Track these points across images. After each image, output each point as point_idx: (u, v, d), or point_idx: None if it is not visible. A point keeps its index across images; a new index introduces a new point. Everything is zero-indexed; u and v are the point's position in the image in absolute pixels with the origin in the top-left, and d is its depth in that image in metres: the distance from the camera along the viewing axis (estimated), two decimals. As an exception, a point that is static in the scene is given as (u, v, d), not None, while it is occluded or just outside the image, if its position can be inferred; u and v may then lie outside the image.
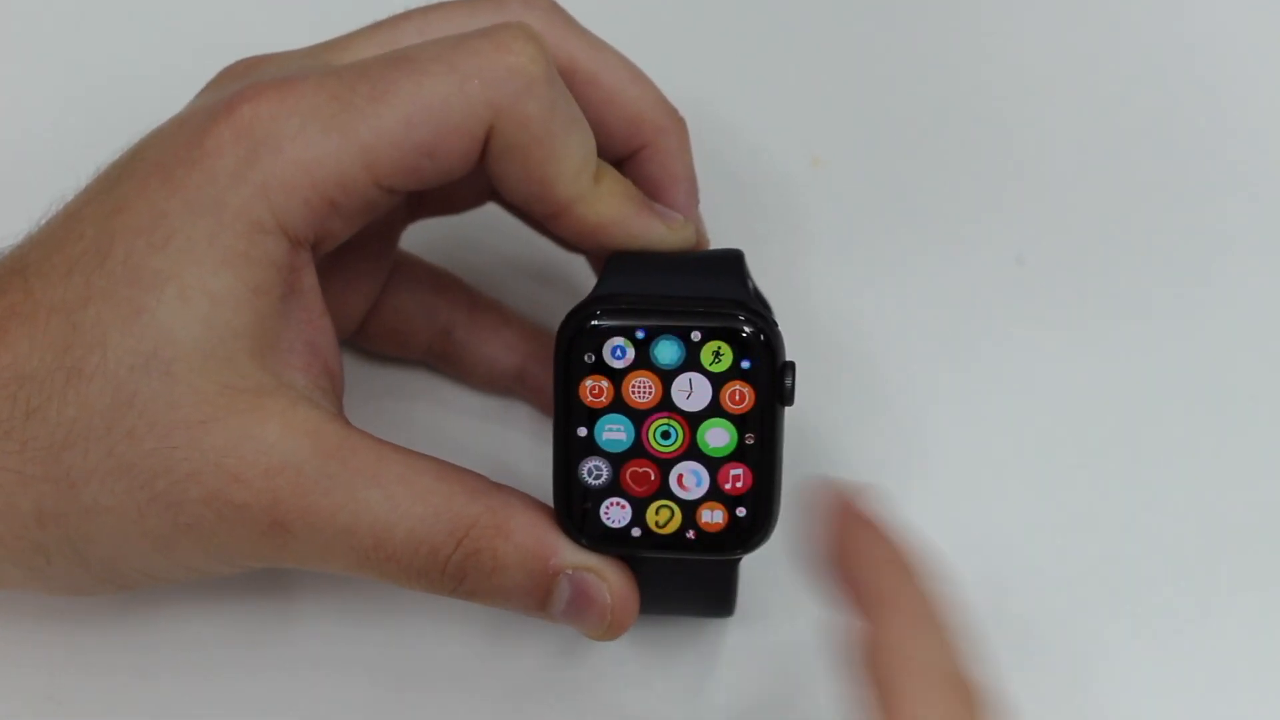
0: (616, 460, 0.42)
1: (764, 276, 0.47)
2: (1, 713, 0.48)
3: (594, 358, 0.42)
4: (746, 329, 0.41)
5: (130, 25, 0.60)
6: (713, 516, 0.43)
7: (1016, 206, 0.58)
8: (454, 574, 0.42)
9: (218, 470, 0.40)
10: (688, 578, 0.44)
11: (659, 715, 0.49)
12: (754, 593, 0.49)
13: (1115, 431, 0.54)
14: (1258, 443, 0.54)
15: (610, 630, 0.43)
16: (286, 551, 0.41)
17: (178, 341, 0.40)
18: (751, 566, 0.45)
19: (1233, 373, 0.55)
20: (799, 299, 0.55)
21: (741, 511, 0.42)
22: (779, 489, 0.43)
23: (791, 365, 0.42)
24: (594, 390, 0.42)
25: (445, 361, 0.52)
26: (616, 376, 0.42)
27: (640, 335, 0.41)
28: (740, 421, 0.42)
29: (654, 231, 0.44)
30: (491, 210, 0.50)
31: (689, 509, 0.43)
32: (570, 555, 0.43)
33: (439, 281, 0.52)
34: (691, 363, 0.41)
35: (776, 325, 0.42)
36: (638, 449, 0.42)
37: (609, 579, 0.43)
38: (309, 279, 0.42)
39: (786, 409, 0.42)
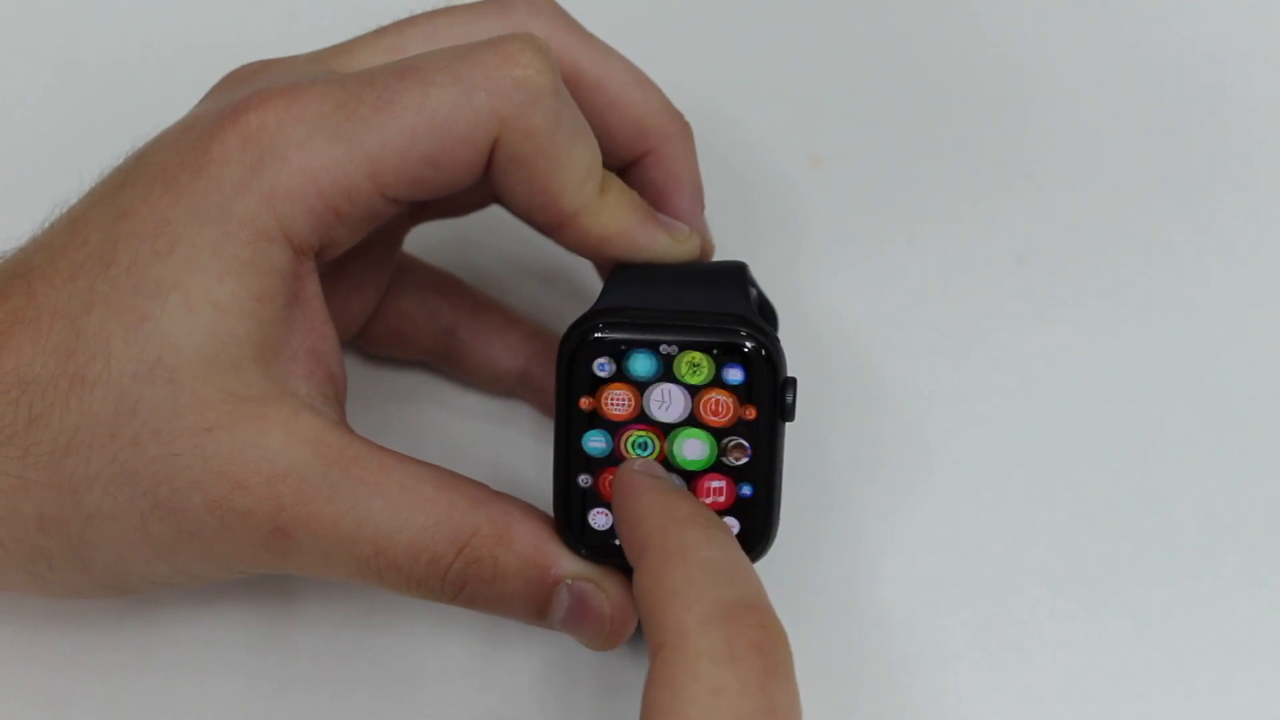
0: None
1: (763, 277, 0.47)
2: (2, 713, 0.48)
3: (595, 370, 0.42)
4: (748, 344, 0.41)
5: (135, 27, 0.60)
6: None
7: (1016, 206, 0.58)
8: (454, 582, 0.42)
9: (220, 477, 0.40)
10: None
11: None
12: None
13: (1115, 431, 0.54)
14: (1258, 442, 0.54)
15: (609, 640, 0.44)
16: (288, 559, 0.41)
17: (181, 349, 0.40)
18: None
19: (1233, 372, 0.55)
20: (798, 299, 0.55)
21: (740, 525, 0.43)
22: (779, 503, 0.43)
23: (793, 381, 0.42)
24: (615, 401, 0.42)
25: (448, 363, 0.52)
26: (642, 388, 0.42)
27: (669, 351, 0.41)
28: (718, 434, 0.42)
29: (659, 243, 0.44)
30: (495, 212, 0.50)
31: None
32: (570, 565, 0.43)
33: (442, 283, 0.52)
34: (678, 375, 0.42)
35: (779, 341, 0.42)
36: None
37: (608, 589, 0.43)
38: (312, 287, 0.42)
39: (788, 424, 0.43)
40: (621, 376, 0.42)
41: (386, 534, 0.41)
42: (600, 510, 0.43)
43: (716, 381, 0.42)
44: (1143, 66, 0.60)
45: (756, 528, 0.43)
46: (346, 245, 0.43)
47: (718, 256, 0.48)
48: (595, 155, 0.43)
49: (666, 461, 0.42)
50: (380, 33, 0.45)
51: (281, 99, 0.41)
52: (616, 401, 0.42)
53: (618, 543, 0.42)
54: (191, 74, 0.47)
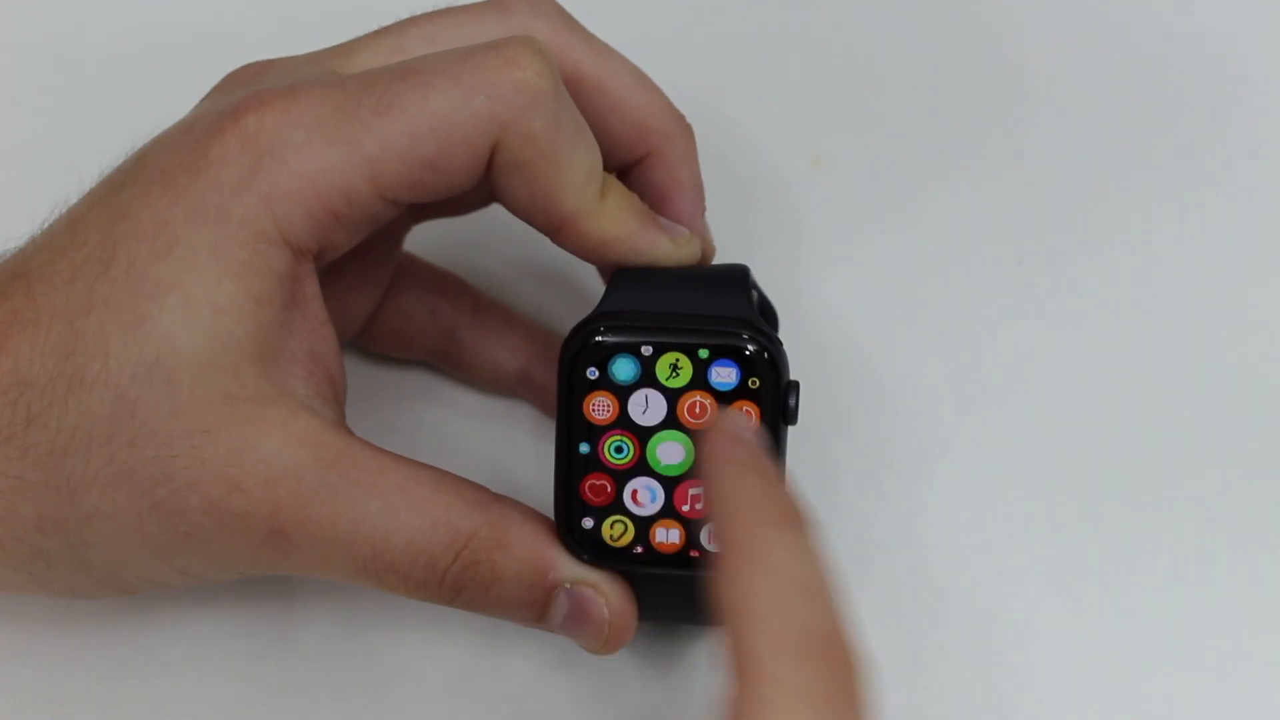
0: (618, 476, 0.43)
1: (763, 276, 0.47)
2: (3, 713, 0.48)
3: (597, 374, 0.42)
4: (750, 347, 0.41)
5: (134, 27, 0.60)
6: (667, 536, 0.43)
7: (1016, 206, 0.58)
8: (452, 585, 0.42)
9: (218, 479, 0.40)
10: (688, 592, 0.44)
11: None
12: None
13: (1115, 431, 0.54)
14: (1259, 441, 0.54)
15: (608, 644, 0.43)
16: (286, 560, 0.41)
17: (180, 350, 0.40)
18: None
19: (1233, 371, 0.55)
20: (798, 298, 0.55)
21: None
22: None
23: (795, 385, 0.42)
24: (597, 407, 0.42)
25: (448, 362, 0.53)
26: (621, 393, 0.42)
27: (646, 352, 0.41)
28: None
29: (659, 247, 0.44)
30: (495, 212, 0.49)
31: (642, 525, 0.43)
32: (569, 569, 0.43)
33: (442, 283, 0.52)
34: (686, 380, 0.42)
35: (781, 344, 0.42)
36: (642, 465, 0.43)
37: (607, 594, 0.43)
38: (311, 288, 0.42)
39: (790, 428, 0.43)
40: (649, 381, 0.42)
41: (384, 536, 0.41)
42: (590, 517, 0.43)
43: (698, 383, 0.42)
44: (1143, 66, 0.60)
45: None
46: (346, 247, 0.43)
47: (718, 257, 0.48)
48: (596, 159, 0.43)
49: (645, 463, 0.43)
50: (380, 33, 0.45)
51: (280, 101, 0.41)
52: (600, 406, 0.42)
53: (637, 550, 0.43)
54: (192, 74, 0.46)
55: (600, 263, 0.45)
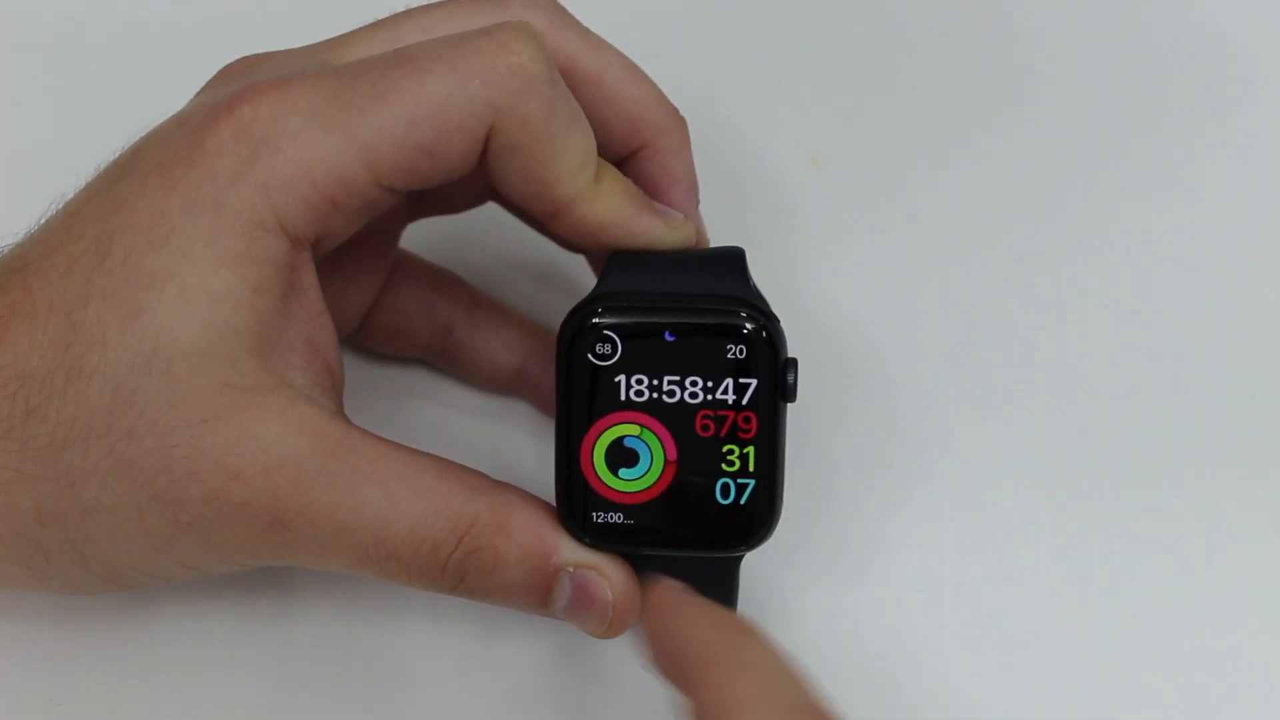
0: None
1: (763, 276, 0.47)
2: (3, 712, 0.48)
3: (595, 355, 0.42)
4: (748, 325, 0.41)
5: (130, 23, 0.60)
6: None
7: (1016, 206, 0.58)
8: (455, 572, 0.42)
9: (218, 468, 0.40)
10: (690, 575, 0.44)
11: (660, 713, 0.49)
12: (757, 591, 0.49)
13: (1115, 431, 0.54)
14: (1259, 441, 0.54)
15: (612, 628, 0.43)
16: (286, 549, 0.41)
17: (178, 340, 0.40)
18: (754, 565, 0.45)
19: (1234, 372, 0.55)
20: (798, 298, 0.55)
21: (742, 509, 0.43)
22: (781, 487, 0.43)
23: (794, 362, 0.42)
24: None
25: (445, 360, 0.52)
26: (615, 373, 0.42)
27: (641, 333, 0.42)
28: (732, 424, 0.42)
29: (654, 230, 0.44)
30: (491, 210, 0.50)
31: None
32: (571, 553, 0.43)
33: (439, 280, 0.52)
34: (683, 361, 0.42)
35: (778, 321, 0.42)
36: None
37: (610, 577, 0.43)
38: (309, 278, 0.42)
39: (789, 406, 0.43)
40: (641, 361, 0.42)
41: (385, 523, 0.41)
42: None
43: (710, 403, 0.42)
44: (1143, 66, 0.60)
45: (759, 511, 0.43)
46: (343, 236, 0.43)
47: (715, 249, 0.48)
48: (590, 143, 0.43)
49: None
50: (375, 26, 0.45)
51: (276, 90, 0.41)
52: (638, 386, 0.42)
53: (637, 531, 0.43)
54: (191, 72, 0.47)
55: (595, 248, 0.45)
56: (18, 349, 0.40)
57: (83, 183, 0.44)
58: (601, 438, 0.42)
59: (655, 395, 0.42)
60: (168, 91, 0.46)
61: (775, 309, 0.47)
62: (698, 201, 0.48)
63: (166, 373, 0.40)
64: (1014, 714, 0.49)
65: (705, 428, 0.42)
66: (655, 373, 0.42)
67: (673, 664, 0.40)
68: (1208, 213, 0.58)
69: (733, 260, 0.44)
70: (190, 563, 0.42)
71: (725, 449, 0.42)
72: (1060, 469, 0.53)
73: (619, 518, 0.43)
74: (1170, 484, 0.53)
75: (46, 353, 0.40)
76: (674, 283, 0.43)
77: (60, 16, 0.60)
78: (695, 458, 0.42)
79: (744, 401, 0.42)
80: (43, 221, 0.43)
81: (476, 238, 0.55)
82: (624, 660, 0.49)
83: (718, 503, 0.42)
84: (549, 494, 0.43)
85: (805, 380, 0.43)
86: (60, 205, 0.43)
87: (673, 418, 0.42)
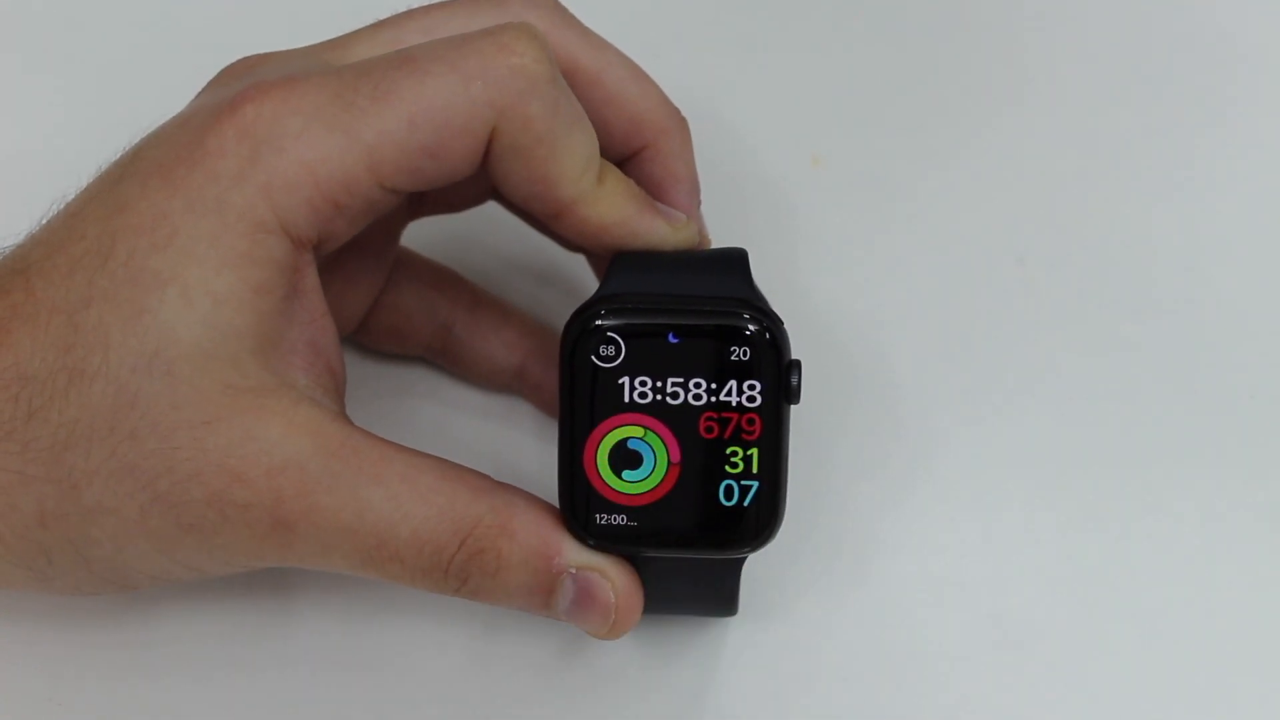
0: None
1: (764, 276, 0.47)
2: (3, 713, 0.48)
3: (598, 357, 0.42)
4: (751, 327, 0.41)
5: (131, 23, 0.60)
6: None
7: (1016, 206, 0.58)
8: (458, 574, 0.42)
9: (220, 470, 0.40)
10: (692, 576, 0.44)
11: (661, 713, 0.49)
12: (757, 591, 0.49)
13: (1115, 431, 0.54)
14: (1259, 441, 0.54)
15: (614, 629, 0.43)
16: (289, 551, 0.41)
17: (180, 342, 0.40)
18: (754, 565, 0.45)
19: (1234, 373, 0.55)
20: (798, 299, 0.55)
21: (745, 511, 0.43)
22: (785, 488, 0.43)
23: (797, 364, 0.42)
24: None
25: (446, 358, 0.52)
26: (619, 375, 0.42)
27: (644, 334, 0.41)
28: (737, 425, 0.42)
29: (657, 231, 0.44)
30: (492, 209, 0.50)
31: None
32: (574, 554, 0.42)
33: (440, 278, 0.52)
34: (687, 363, 0.42)
35: (782, 323, 0.42)
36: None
37: (613, 578, 0.43)
38: (311, 279, 0.42)
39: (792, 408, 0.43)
40: (646, 363, 0.42)
41: (388, 525, 0.41)
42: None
43: (714, 404, 0.42)
44: (1143, 66, 0.60)
45: (762, 513, 0.43)
46: (345, 237, 0.43)
47: (716, 252, 0.48)
48: (593, 144, 0.43)
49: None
50: (377, 27, 0.45)
51: (278, 91, 0.41)
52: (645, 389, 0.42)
53: (640, 533, 0.43)
54: (192, 72, 0.46)
55: (598, 249, 0.45)
56: (20, 350, 0.40)
57: (84, 183, 0.43)
58: (605, 439, 0.42)
59: (659, 397, 0.42)
60: (168, 92, 0.46)
61: (774, 308, 0.47)
62: (700, 202, 0.48)
63: (168, 374, 0.40)
64: (1014, 714, 0.49)
65: (709, 429, 0.42)
66: (659, 374, 0.42)
67: None
68: (1207, 213, 0.58)
69: (736, 261, 0.44)
70: (192, 564, 0.42)
71: (729, 451, 0.42)
72: (1060, 469, 0.53)
73: (622, 519, 0.42)
74: (1170, 484, 0.53)
75: (48, 354, 0.40)
76: (677, 284, 0.43)
77: (60, 17, 0.60)
78: (699, 459, 0.42)
79: (747, 403, 0.42)
80: (44, 222, 0.43)
81: (477, 237, 0.55)
82: (625, 661, 0.50)
83: (721, 504, 0.42)
84: (550, 494, 0.43)
85: (805, 380, 0.43)
86: (62, 206, 0.43)
87: (676, 419, 0.42)
